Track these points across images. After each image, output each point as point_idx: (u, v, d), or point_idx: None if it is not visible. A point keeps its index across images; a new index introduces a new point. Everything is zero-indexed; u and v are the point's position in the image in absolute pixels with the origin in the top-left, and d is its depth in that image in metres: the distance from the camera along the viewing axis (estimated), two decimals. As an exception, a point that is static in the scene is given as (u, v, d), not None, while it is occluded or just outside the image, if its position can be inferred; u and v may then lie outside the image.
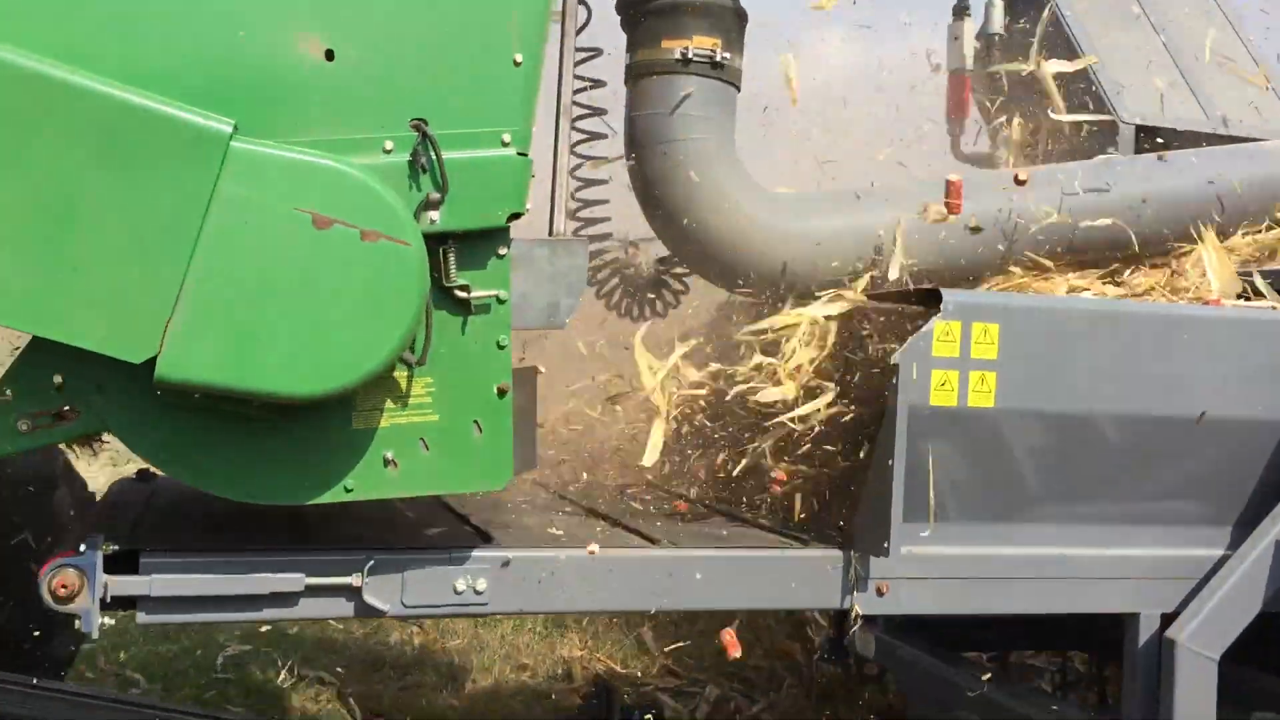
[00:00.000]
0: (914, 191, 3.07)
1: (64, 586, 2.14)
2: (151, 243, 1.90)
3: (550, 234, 2.38)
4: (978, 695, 3.13)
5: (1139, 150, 3.47)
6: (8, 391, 2.07)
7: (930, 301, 2.54)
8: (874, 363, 2.67)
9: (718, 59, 2.81)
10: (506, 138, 2.16)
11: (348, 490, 2.21)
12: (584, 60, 2.82)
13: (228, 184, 1.93)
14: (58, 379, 2.06)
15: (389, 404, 2.20)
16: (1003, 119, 3.71)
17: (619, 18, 2.96)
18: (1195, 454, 2.74)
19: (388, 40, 2.10)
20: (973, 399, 2.54)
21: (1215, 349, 2.70)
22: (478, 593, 2.36)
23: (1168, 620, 2.73)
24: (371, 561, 2.29)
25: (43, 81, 1.87)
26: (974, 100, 3.83)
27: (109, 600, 2.18)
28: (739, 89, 2.94)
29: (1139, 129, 3.51)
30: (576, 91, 2.78)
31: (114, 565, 2.19)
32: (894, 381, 2.47)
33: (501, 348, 2.24)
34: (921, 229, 2.97)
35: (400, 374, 2.18)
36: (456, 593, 2.35)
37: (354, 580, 2.27)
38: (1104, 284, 3.21)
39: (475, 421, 2.24)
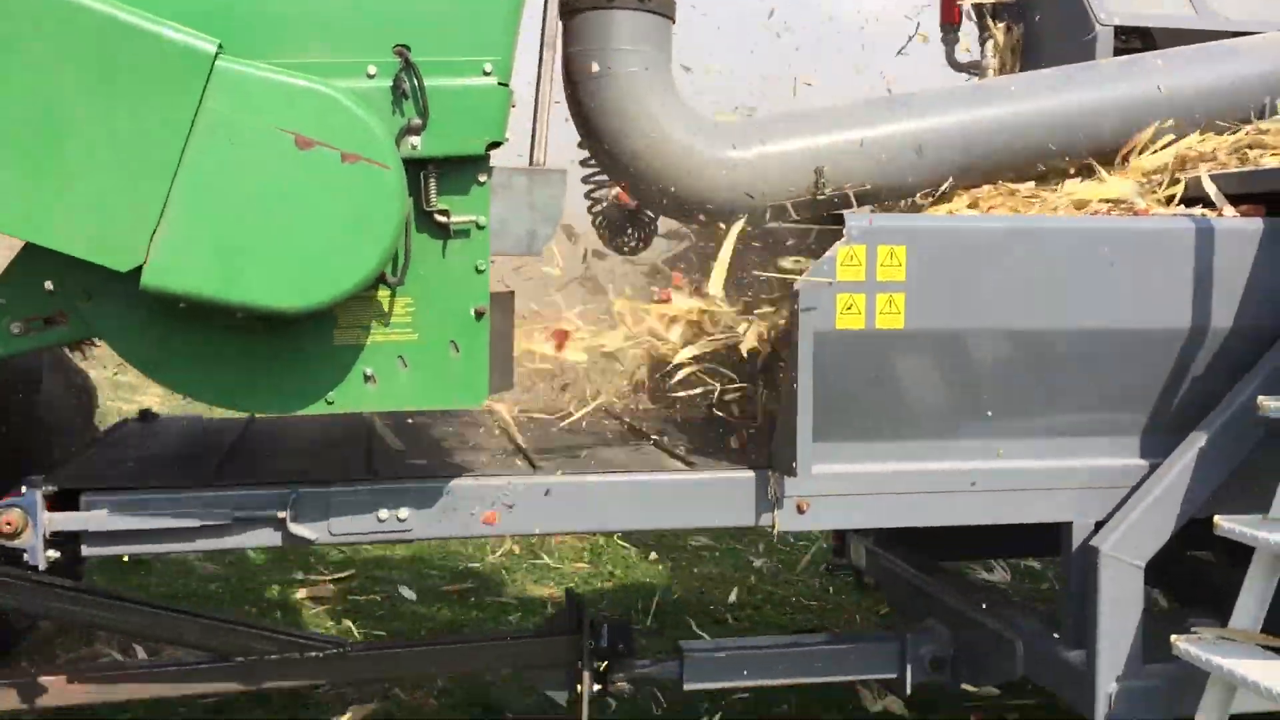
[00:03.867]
0: (860, 111, 3.03)
1: (8, 524, 2.33)
2: (138, 156, 1.97)
3: (530, 164, 2.45)
4: (946, 605, 3.28)
5: (1118, 53, 3.36)
6: (0, 296, 2.16)
7: (838, 225, 2.58)
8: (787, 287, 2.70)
9: None
10: (488, 67, 2.21)
11: (329, 403, 2.30)
12: None
13: (212, 102, 1.99)
14: (48, 285, 2.15)
15: (370, 322, 2.29)
16: (991, 24, 3.64)
17: None
18: (1120, 366, 2.75)
19: (374, -35, 2.15)
20: (881, 321, 2.58)
21: (1137, 260, 2.70)
22: (400, 520, 2.51)
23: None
24: (296, 496, 2.44)
25: (33, -6, 1.93)
26: (968, 7, 3.73)
27: (50, 536, 2.36)
28: (673, 19, 2.91)
29: (1118, 29, 3.36)
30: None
31: (59, 503, 2.38)
32: (796, 307, 2.53)
33: (480, 272, 2.32)
34: (860, 150, 2.93)
35: (381, 294, 2.26)
36: (380, 521, 2.50)
37: (280, 513, 2.42)
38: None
39: (453, 342, 2.32)
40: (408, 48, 2.15)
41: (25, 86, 1.94)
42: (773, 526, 2.73)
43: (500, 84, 2.22)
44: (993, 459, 2.80)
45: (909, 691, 3.18)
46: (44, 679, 2.93)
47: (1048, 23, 3.54)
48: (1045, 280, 2.68)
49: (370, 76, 2.16)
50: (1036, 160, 3.09)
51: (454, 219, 2.27)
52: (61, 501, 2.38)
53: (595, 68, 2.77)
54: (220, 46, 2.00)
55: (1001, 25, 3.61)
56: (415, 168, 2.21)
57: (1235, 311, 2.73)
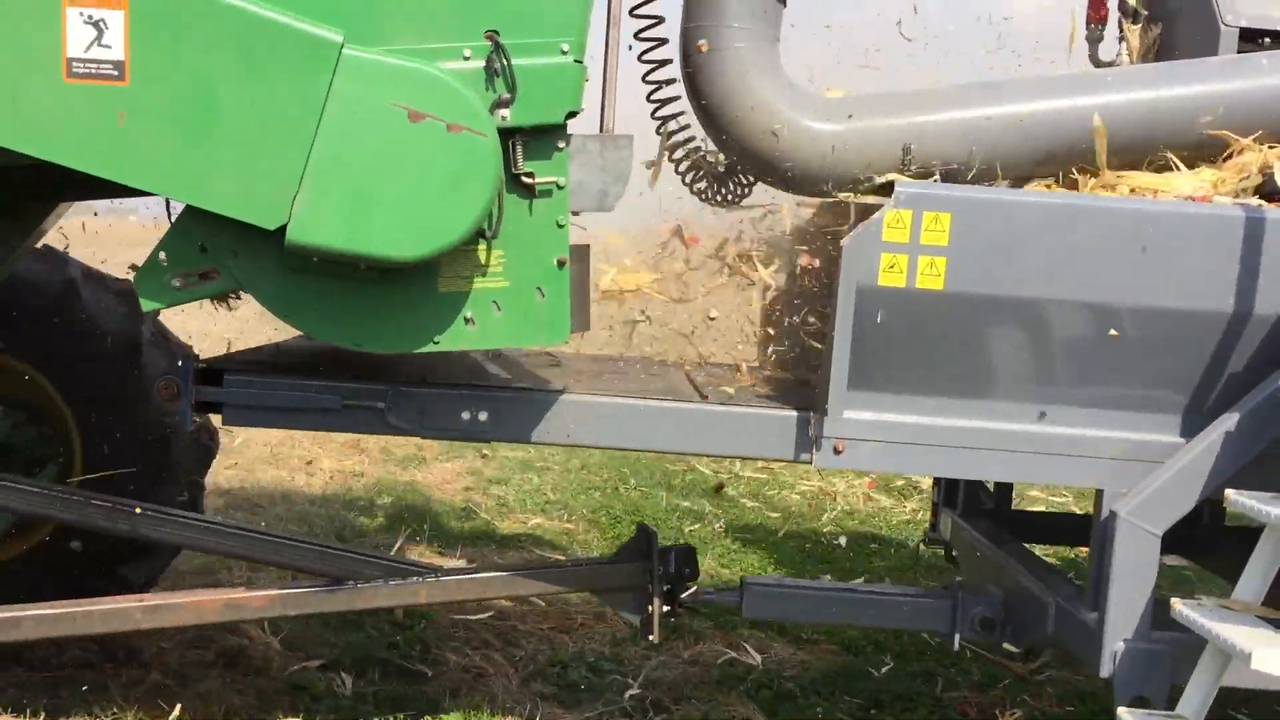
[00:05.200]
0: (952, 93, 3.18)
1: (166, 389, 2.94)
2: (281, 130, 2.36)
3: (601, 130, 2.79)
4: (1004, 571, 3.38)
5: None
6: (162, 255, 2.55)
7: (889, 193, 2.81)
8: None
9: None
10: (565, 47, 2.55)
11: (435, 342, 2.68)
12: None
13: (340, 83, 2.37)
14: (202, 245, 2.54)
15: (469, 272, 2.65)
16: (1127, 24, 3.63)
17: None
18: (1157, 345, 2.83)
19: (468, -38, 2.51)
20: (921, 281, 2.78)
21: (1179, 243, 2.78)
22: (480, 421, 2.94)
23: None
24: (393, 392, 2.90)
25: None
26: (1113, 5, 3.69)
27: (197, 403, 2.99)
28: (783, 1, 3.17)
29: (1250, 33, 3.29)
30: (636, 8, 3.14)
31: (208, 379, 2.97)
32: (841, 262, 2.77)
33: (560, 226, 2.67)
34: (948, 131, 3.05)
35: (478, 247, 2.62)
36: (463, 420, 2.93)
37: (379, 404, 2.89)
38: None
39: (538, 288, 2.68)
40: (497, 32, 2.51)
41: (185, 72, 2.34)
42: (810, 462, 2.99)
43: (576, 61, 2.57)
44: (1024, 421, 2.92)
45: (956, 647, 3.34)
46: (180, 599, 3.35)
47: (1181, 23, 3.51)
48: (1084, 256, 2.79)
49: (466, 58, 2.51)
50: (1131, 150, 3.10)
51: (538, 180, 2.62)
52: (209, 379, 2.97)
53: (704, 46, 3.06)
54: (345, 37, 2.37)
55: (1137, 26, 3.59)
56: (505, 136, 2.55)
57: None
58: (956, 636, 3.31)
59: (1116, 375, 2.90)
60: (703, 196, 3.41)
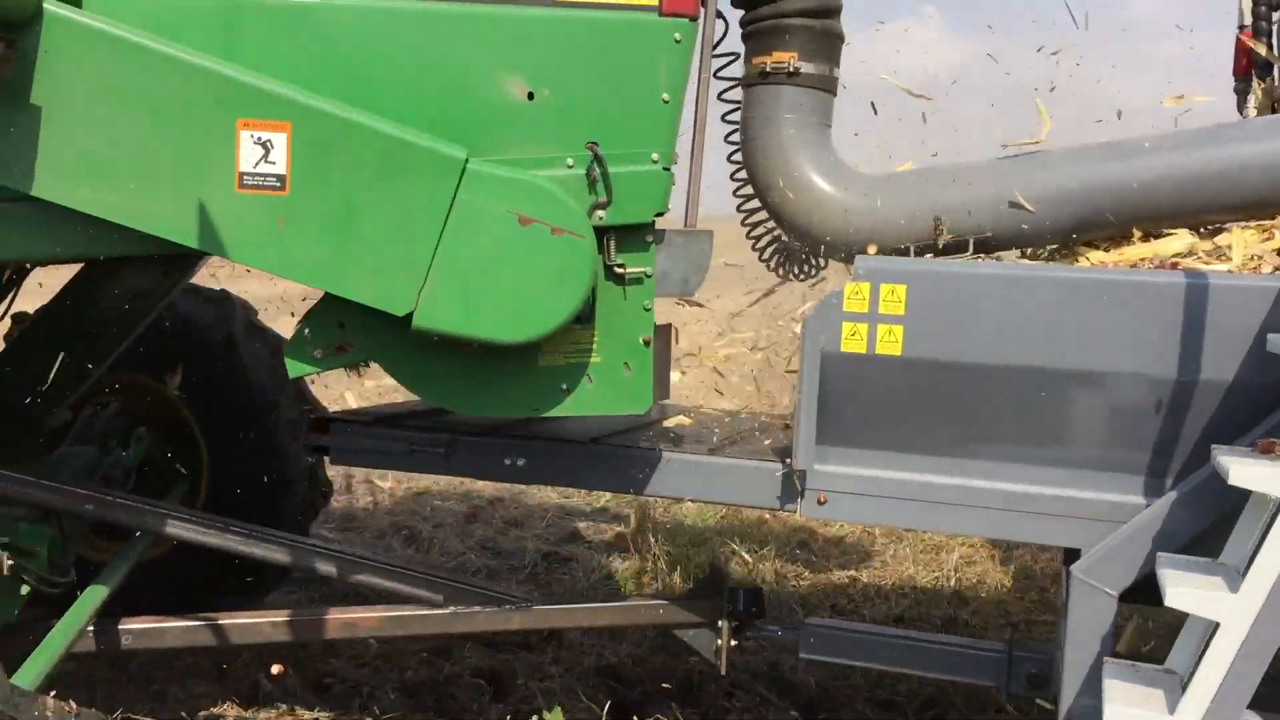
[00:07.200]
0: (986, 165, 3.32)
1: (294, 437, 3.95)
2: (413, 233, 2.76)
3: (685, 224, 3.14)
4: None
5: None
6: (307, 330, 2.98)
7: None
8: None
9: (792, 69, 3.37)
10: (655, 156, 2.91)
11: (534, 409, 3.06)
12: (726, 65, 3.53)
13: (464, 194, 2.76)
14: (340, 323, 2.96)
15: (566, 349, 3.02)
16: (1255, 81, 3.68)
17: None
18: (1119, 408, 2.86)
19: (571, 85, 2.88)
20: (880, 347, 2.96)
21: (1128, 310, 2.82)
22: (519, 466, 3.45)
23: None
24: (450, 439, 3.50)
25: (339, 120, 2.74)
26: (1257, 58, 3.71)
27: (312, 448, 3.81)
28: (827, 90, 3.45)
29: None
30: (722, 92, 3.51)
31: (319, 428, 3.75)
32: (805, 330, 3.00)
33: (647, 310, 3.03)
34: (982, 202, 3.20)
35: (575, 327, 2.99)
36: (505, 464, 3.46)
37: (439, 450, 3.49)
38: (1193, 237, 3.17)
39: (626, 363, 3.04)
40: (596, 144, 2.87)
41: (335, 184, 2.75)
42: (796, 512, 3.19)
43: (664, 169, 2.93)
44: (996, 479, 3.00)
45: (1004, 700, 3.43)
46: (304, 616, 3.79)
47: None
48: (1034, 323, 2.88)
49: (569, 166, 2.89)
50: (1177, 215, 3.15)
51: (629, 270, 2.98)
52: (320, 428, 3.75)
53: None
54: (469, 153, 2.76)
55: (1264, 81, 3.65)
56: (600, 233, 2.92)
57: (1242, 367, 2.75)
58: (1004, 691, 3.41)
59: (1079, 437, 2.94)
60: (781, 274, 3.74)
